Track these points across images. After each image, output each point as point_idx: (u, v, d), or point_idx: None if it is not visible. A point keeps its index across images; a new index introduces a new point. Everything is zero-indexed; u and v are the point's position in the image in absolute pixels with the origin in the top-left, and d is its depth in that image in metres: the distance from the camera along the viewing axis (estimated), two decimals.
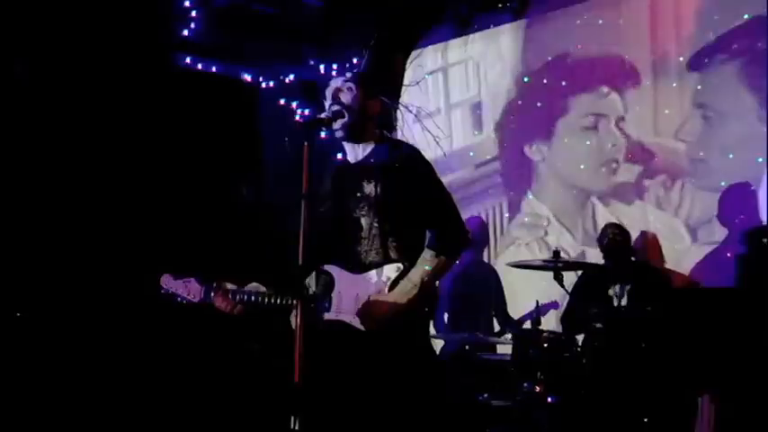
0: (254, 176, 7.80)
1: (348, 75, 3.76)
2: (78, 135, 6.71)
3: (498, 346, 7.06)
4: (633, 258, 6.72)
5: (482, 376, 6.17)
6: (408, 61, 8.33)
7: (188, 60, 7.73)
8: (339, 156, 4.05)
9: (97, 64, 6.79)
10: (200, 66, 7.79)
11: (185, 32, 7.48)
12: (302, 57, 8.15)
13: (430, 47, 8.84)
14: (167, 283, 3.89)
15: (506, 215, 8.19)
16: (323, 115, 3.70)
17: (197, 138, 7.35)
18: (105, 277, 6.51)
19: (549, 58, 8.10)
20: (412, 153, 3.72)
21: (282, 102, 8.03)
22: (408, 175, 3.62)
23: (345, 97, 3.74)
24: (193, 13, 7.36)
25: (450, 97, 8.76)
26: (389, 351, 3.46)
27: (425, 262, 3.59)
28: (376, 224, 3.61)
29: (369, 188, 3.65)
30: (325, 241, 3.66)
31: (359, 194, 3.67)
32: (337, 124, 3.70)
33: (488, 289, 7.50)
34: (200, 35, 7.47)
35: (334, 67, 7.89)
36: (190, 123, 7.29)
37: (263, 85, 8.19)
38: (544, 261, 6.17)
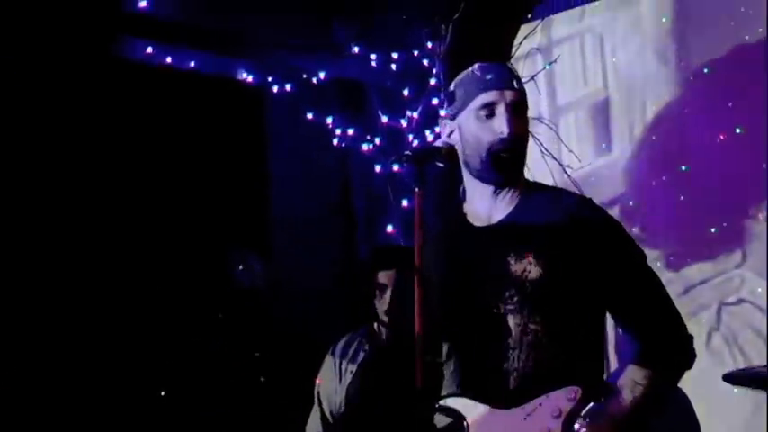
0: (259, 244, 6.08)
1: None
2: None
3: None
4: None
5: None
6: (518, 38, 6.40)
7: (149, 50, 5.87)
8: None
9: None
10: (168, 59, 5.96)
11: (143, 3, 5.68)
12: (334, 42, 6.30)
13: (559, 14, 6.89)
14: None
15: None
16: (440, 143, 2.90)
17: (164, 180, 5.82)
18: None
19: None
20: (594, 211, 2.88)
21: (310, 116, 6.23)
22: (594, 247, 2.78)
23: (504, 109, 2.80)
24: None
25: (557, 95, 7.04)
26: None
27: (632, 385, 2.78)
28: (534, 326, 2.77)
29: (521, 267, 2.79)
30: (439, 354, 2.93)
31: (503, 277, 2.80)
32: (477, 155, 2.83)
33: None
34: (166, 9, 5.79)
35: (394, 56, 6.24)
36: (153, 154, 5.79)
37: (274, 89, 6.29)
38: None
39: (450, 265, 2.90)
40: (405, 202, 5.86)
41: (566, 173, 5.92)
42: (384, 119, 6.09)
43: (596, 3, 6.64)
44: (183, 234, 5.83)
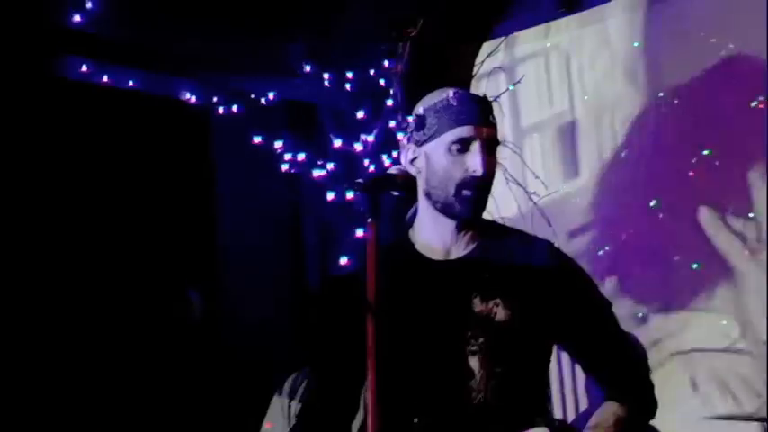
0: (206, 275, 5.82)
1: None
2: None
3: None
4: None
5: None
6: (480, 57, 6.17)
7: (84, 68, 5.57)
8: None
9: None
10: (105, 78, 5.66)
11: (76, 18, 5.37)
12: (288, 60, 6.02)
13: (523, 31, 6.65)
14: None
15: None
16: (395, 170, 2.79)
17: (101, 206, 5.54)
18: None
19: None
20: (559, 257, 2.88)
21: (258, 140, 5.90)
22: (560, 294, 2.82)
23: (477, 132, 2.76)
24: None
25: (521, 116, 6.82)
26: None
27: (612, 418, 2.81)
28: (500, 369, 2.76)
29: (487, 308, 2.80)
30: (397, 399, 2.72)
31: (466, 316, 2.79)
32: (443, 189, 2.78)
33: None
34: (103, 23, 5.45)
35: (348, 76, 5.96)
36: (89, 178, 5.53)
37: (220, 110, 6.00)
38: None
39: (404, 299, 2.82)
40: (359, 232, 5.53)
41: (531, 200, 5.67)
42: (337, 142, 5.76)
43: (563, 19, 6.45)
44: (120, 264, 5.54)
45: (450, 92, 2.78)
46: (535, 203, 5.61)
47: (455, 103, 2.75)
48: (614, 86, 6.35)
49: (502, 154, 5.50)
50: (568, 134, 6.58)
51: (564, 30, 6.52)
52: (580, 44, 6.50)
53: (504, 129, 6.54)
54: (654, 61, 6.15)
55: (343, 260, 5.60)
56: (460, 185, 2.74)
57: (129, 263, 5.54)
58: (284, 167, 5.81)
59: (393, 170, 2.83)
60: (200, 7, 5.54)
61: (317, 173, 5.74)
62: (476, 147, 2.74)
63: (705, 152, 5.73)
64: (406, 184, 2.78)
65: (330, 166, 5.77)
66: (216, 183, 5.94)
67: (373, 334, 2.49)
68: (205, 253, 5.80)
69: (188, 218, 5.75)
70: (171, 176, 5.68)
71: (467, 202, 2.75)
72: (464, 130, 2.74)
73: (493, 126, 2.78)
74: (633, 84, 6.27)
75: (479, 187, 2.76)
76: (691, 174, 5.82)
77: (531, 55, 6.69)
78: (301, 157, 5.82)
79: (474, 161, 2.72)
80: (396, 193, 2.79)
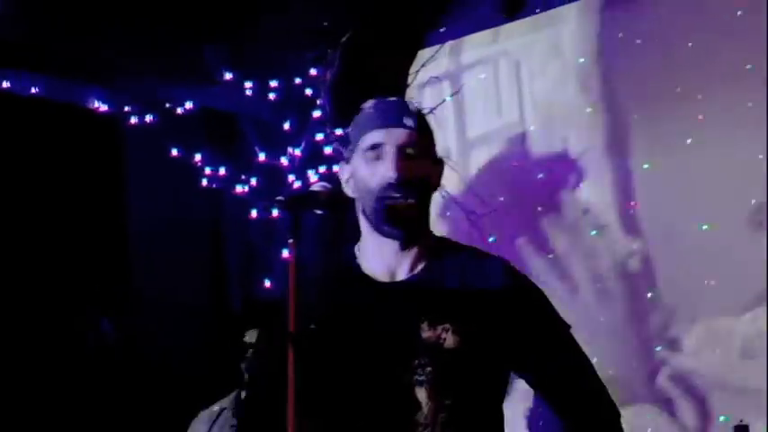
0: (120, 295, 5.60)
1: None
2: None
3: None
4: None
5: None
6: (414, 66, 6.00)
7: None
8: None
9: None
10: (6, 84, 5.53)
11: None
12: (206, 66, 5.88)
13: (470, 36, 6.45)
14: None
15: None
16: (319, 187, 2.59)
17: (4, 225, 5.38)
18: None
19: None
20: (516, 277, 2.72)
21: (175, 153, 5.75)
22: (516, 317, 2.69)
23: (396, 138, 2.63)
24: None
25: (467, 127, 6.64)
26: None
27: None
28: (449, 401, 2.64)
29: (435, 334, 2.66)
30: None
31: (412, 343, 2.66)
32: (368, 202, 2.67)
33: None
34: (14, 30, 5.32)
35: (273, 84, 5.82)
36: None
37: (133, 120, 5.84)
38: None
39: (343, 324, 2.73)
40: (285, 252, 5.26)
41: (469, 219, 5.41)
42: (261, 156, 5.55)
43: (511, 23, 6.24)
44: (27, 288, 5.29)
45: (370, 101, 2.72)
46: (473, 223, 5.36)
47: (371, 110, 2.69)
48: (566, 94, 6.19)
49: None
50: (519, 145, 6.37)
51: (514, 35, 6.34)
52: (530, 50, 6.35)
53: (449, 141, 6.38)
54: (607, 67, 6.03)
55: (267, 283, 5.38)
56: (380, 197, 2.64)
57: (39, 286, 5.33)
58: (204, 182, 5.65)
59: (316, 187, 2.65)
60: (109, 7, 5.31)
61: (239, 188, 5.55)
62: (388, 150, 2.63)
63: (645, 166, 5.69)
64: (331, 201, 2.61)
65: (253, 181, 5.58)
66: (128, 199, 5.73)
67: (293, 363, 2.42)
68: (117, 274, 5.58)
69: (98, 237, 5.53)
70: (79, 192, 5.47)
71: (391, 215, 2.64)
72: (375, 135, 2.65)
73: (411, 128, 2.66)
74: (586, 91, 6.13)
75: (399, 196, 2.63)
76: None
77: (477, 62, 6.48)
78: (222, 171, 5.66)
79: (387, 166, 2.61)
80: (319, 212, 2.62)
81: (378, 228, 2.69)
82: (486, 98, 6.57)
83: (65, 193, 5.42)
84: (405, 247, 2.71)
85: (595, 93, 6.11)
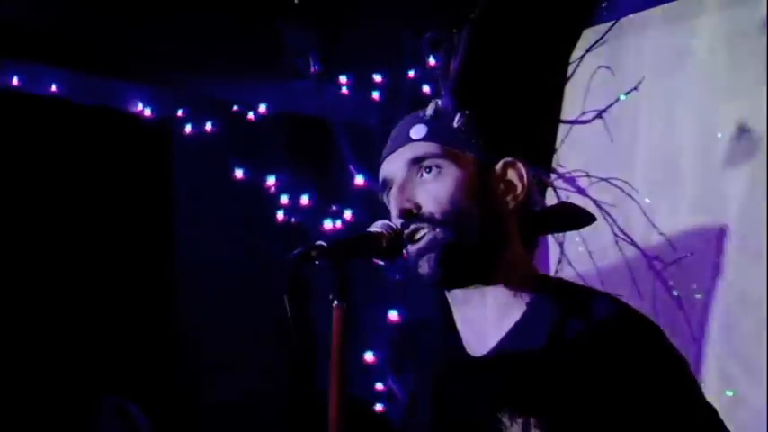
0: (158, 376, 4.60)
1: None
2: None
3: None
4: None
5: None
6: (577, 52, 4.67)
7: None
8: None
9: None
10: (15, 80, 4.73)
11: None
12: (286, 55, 4.66)
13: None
14: None
15: None
16: (379, 227, 2.20)
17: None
18: None
19: None
20: (636, 326, 2.21)
21: (240, 174, 4.94)
22: (634, 393, 2.17)
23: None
24: None
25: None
26: None
27: None
28: None
29: (517, 428, 2.32)
30: None
31: None
32: (418, 250, 2.26)
33: None
34: (25, 12, 4.32)
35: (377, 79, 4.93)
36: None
37: (187, 128, 5.00)
38: None
39: (424, 407, 2.40)
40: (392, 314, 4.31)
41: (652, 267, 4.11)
42: (359, 179, 4.41)
43: None
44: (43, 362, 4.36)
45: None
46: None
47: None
48: None
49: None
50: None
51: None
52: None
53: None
54: None
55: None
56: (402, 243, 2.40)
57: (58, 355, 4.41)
58: (280, 215, 4.76)
59: (376, 227, 2.24)
60: None
61: (328, 224, 4.48)
62: (393, 186, 2.31)
63: None
64: (394, 247, 2.25)
65: (348, 213, 4.47)
66: (176, 235, 4.74)
67: None
68: (157, 348, 4.60)
69: (142, 281, 4.57)
70: (111, 227, 4.58)
71: (412, 258, 2.28)
72: (381, 172, 2.38)
73: (421, 138, 2.23)
74: None
75: (410, 230, 2.25)
76: None
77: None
78: (305, 199, 4.71)
79: (393, 208, 2.35)
80: (380, 262, 2.39)
81: (418, 280, 2.38)
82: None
83: (101, 222, 4.49)
84: (467, 297, 2.26)
85: None
